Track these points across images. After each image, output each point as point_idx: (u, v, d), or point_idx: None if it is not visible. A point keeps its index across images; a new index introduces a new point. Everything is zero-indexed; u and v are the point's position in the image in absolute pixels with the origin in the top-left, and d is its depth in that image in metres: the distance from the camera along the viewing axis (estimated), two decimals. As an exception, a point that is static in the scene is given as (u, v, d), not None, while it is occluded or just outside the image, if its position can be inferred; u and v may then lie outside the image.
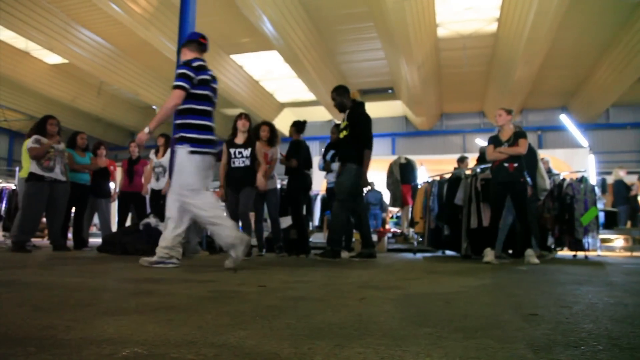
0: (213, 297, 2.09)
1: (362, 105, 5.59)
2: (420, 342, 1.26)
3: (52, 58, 16.56)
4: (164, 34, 12.41)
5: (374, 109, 19.72)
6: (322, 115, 18.90)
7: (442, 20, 12.68)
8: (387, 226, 12.04)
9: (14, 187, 13.58)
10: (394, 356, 1.10)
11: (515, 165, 5.27)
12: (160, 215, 5.96)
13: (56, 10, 13.56)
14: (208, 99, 3.85)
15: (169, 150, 6.68)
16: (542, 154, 6.85)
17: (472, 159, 9.89)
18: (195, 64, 3.77)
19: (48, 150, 6.00)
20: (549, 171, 6.70)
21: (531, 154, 5.85)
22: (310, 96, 17.66)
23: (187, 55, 3.92)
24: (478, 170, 6.43)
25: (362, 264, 4.79)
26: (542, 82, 15.30)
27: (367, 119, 5.43)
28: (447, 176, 7.34)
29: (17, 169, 16.64)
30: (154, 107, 19.66)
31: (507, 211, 5.58)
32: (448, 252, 7.75)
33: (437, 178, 7.55)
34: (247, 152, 5.64)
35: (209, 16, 11.87)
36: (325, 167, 6.34)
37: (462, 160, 8.44)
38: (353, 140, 5.30)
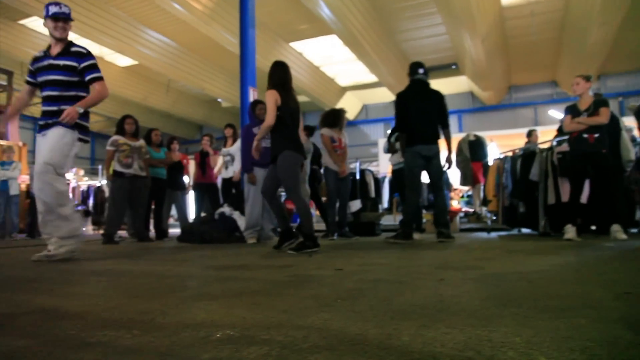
0: (293, 281, 2.15)
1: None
2: (507, 322, 1.24)
3: (123, 61, 17.49)
4: (225, 27, 12.71)
5: (438, 86, 19.15)
6: (384, 97, 18.65)
7: (507, -14, 12.09)
8: (458, 205, 11.76)
9: (98, 185, 14.56)
10: (481, 337, 1.09)
11: (596, 135, 4.95)
12: (233, 203, 6.18)
13: (124, 15, 14.25)
14: None
15: (238, 140, 6.89)
16: (625, 121, 6.38)
17: (542, 132, 9.43)
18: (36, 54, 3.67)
19: (124, 149, 6.40)
20: (633, 140, 6.24)
21: (613, 123, 5.47)
22: (371, 78, 17.47)
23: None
24: (554, 143, 6.11)
25: (436, 245, 4.72)
26: (621, 44, 14.16)
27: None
28: (520, 151, 7.04)
29: (99, 167, 17.75)
30: (219, 99, 20.29)
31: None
32: (524, 230, 7.46)
33: (510, 154, 7.27)
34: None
35: (266, 6, 11.99)
36: (390, 149, 6.28)
37: (530, 135, 8.08)
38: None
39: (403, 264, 2.93)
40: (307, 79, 16.92)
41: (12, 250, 5.44)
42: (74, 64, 3.51)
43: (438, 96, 5.36)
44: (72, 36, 15.00)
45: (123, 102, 19.40)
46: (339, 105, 19.28)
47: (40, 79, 3.47)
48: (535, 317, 1.29)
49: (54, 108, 3.46)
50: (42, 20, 12.73)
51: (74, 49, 3.58)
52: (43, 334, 1.24)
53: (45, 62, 3.47)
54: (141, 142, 6.70)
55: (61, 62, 3.49)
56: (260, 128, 4.26)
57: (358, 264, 2.91)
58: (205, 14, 12.39)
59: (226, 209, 6.06)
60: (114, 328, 1.28)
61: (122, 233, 7.84)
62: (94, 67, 3.57)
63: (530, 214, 6.35)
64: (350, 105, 20.10)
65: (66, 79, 3.49)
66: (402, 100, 5.32)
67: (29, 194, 10.06)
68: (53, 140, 3.39)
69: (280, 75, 4.15)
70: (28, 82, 3.61)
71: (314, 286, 1.98)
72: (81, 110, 3.38)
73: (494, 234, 7.12)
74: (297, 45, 15.75)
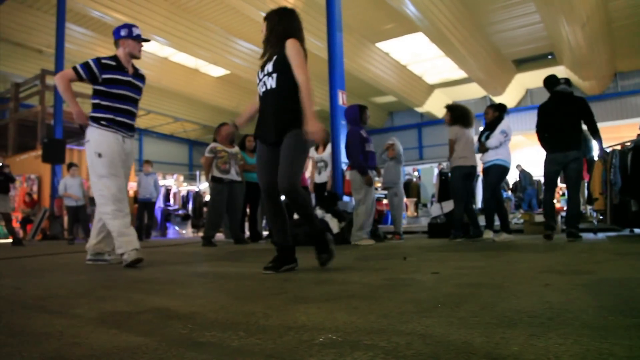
0: (390, 285, 2.14)
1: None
2: (631, 334, 1.14)
3: (216, 71, 18.44)
4: (311, 33, 12.90)
5: (533, 78, 18.20)
6: (475, 93, 18.00)
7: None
8: (559, 204, 11.04)
9: (196, 190, 15.45)
10: (601, 350, 1.01)
11: None
12: (324, 206, 6.28)
13: (216, 28, 15.03)
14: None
15: (329, 146, 6.99)
16: None
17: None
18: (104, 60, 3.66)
19: (222, 155, 6.73)
20: None
21: None
22: (460, 74, 16.95)
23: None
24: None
25: (534, 246, 4.47)
26: None
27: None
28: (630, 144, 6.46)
29: (197, 173, 18.79)
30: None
31: None
32: (637, 230, 6.84)
33: (618, 147, 6.69)
34: None
35: (352, 8, 12.07)
36: (481, 149, 5.98)
37: None
38: None
39: (502, 267, 2.80)
40: (394, 78, 16.76)
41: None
42: (142, 86, 3.85)
43: (580, 105, 5.39)
44: (170, 51, 16.13)
45: (217, 111, 20.42)
46: (427, 103, 18.88)
47: (116, 90, 3.62)
48: (662, 328, 1.18)
49: (132, 123, 3.76)
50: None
51: (140, 71, 3.88)
52: (158, 333, 1.34)
53: (125, 78, 3.68)
54: (236, 149, 7.02)
55: (139, 84, 3.81)
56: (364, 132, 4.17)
57: (454, 267, 2.83)
58: (292, 20, 12.69)
59: (318, 212, 6.17)
60: (221, 329, 1.35)
61: (219, 235, 8.24)
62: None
63: (645, 212, 5.81)
64: (439, 104, 19.62)
65: (139, 98, 3.82)
66: (542, 112, 5.54)
67: (136, 199, 10.92)
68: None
69: (300, 27, 3.04)
70: (79, 75, 3.56)
71: (411, 290, 1.96)
72: None
73: (601, 235, 6.59)
74: (383, 45, 15.67)
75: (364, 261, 3.47)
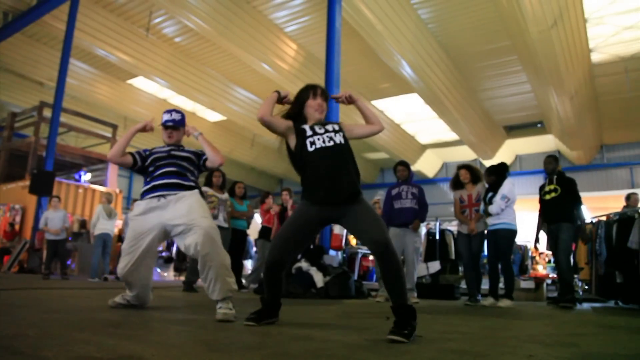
0: (369, 346, 2.09)
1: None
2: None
3: (213, 116, 18.69)
4: (310, 87, 13.26)
5: (523, 145, 18.63)
6: (465, 155, 18.31)
7: (597, 44, 11.69)
8: (545, 271, 11.02)
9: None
10: None
11: None
12: (310, 258, 6.21)
13: (216, 74, 15.40)
14: None
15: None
16: None
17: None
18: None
19: (212, 201, 6.68)
20: None
21: None
22: (452, 136, 17.33)
23: None
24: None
25: (523, 315, 4.42)
26: None
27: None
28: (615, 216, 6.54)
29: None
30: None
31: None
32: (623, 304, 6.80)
33: (604, 218, 6.77)
34: None
35: (349, 65, 12.44)
36: (486, 212, 5.85)
37: (629, 198, 7.52)
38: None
39: (486, 333, 2.76)
40: (388, 136, 17.07)
41: (103, 290, 5.78)
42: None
43: (567, 183, 5.85)
44: (169, 93, 16.44)
45: (211, 155, 20.51)
46: (418, 163, 19.12)
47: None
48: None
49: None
50: (146, 80, 13.89)
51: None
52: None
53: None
54: (226, 195, 6.99)
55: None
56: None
57: (439, 331, 2.78)
58: (292, 73, 13.06)
59: (303, 264, 6.10)
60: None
61: (200, 282, 8.07)
62: None
63: (630, 284, 5.80)
64: (430, 163, 19.91)
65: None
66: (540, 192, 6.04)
67: (120, 237, 10.75)
68: None
69: None
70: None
71: (392, 353, 1.91)
72: None
73: (586, 305, 6.55)
74: (379, 103, 16.05)
75: (346, 318, 3.40)
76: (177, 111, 3.87)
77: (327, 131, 2.71)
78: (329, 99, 2.97)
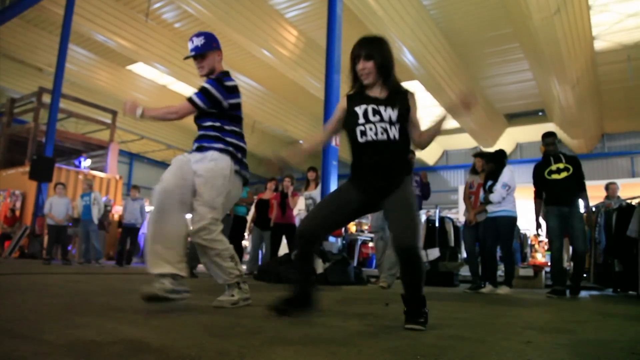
0: (370, 332, 2.11)
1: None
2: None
3: (213, 102, 18.57)
4: (310, 73, 13.20)
5: (524, 133, 18.58)
6: (466, 143, 18.29)
7: (600, 32, 11.60)
8: (543, 259, 11.06)
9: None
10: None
11: None
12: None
13: (218, 60, 15.26)
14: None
15: (320, 184, 7.01)
16: None
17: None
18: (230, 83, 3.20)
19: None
20: None
21: None
22: (453, 124, 17.24)
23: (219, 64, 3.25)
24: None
25: (521, 302, 4.45)
26: None
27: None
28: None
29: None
30: (300, 141, 20.88)
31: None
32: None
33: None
34: None
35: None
36: (486, 200, 5.83)
37: (607, 188, 7.54)
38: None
39: (485, 320, 2.77)
40: (388, 123, 17.01)
41: (103, 276, 5.80)
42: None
43: (578, 163, 5.58)
44: (168, 80, 16.29)
45: (210, 142, 20.46)
46: (418, 151, 19.09)
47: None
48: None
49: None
50: (146, 66, 13.72)
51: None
52: (131, 366, 1.30)
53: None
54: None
55: None
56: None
57: (437, 317, 2.79)
58: (292, 59, 12.98)
59: (303, 250, 6.11)
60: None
61: (201, 267, 8.10)
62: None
63: (628, 273, 5.82)
64: (431, 151, 19.87)
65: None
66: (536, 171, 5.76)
67: (120, 223, 10.77)
68: None
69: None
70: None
71: (391, 338, 1.92)
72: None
73: (584, 293, 6.58)
74: (379, 90, 15.97)
75: (346, 305, 3.42)
76: (199, 34, 3.19)
77: (382, 120, 2.39)
78: (378, 45, 2.53)
